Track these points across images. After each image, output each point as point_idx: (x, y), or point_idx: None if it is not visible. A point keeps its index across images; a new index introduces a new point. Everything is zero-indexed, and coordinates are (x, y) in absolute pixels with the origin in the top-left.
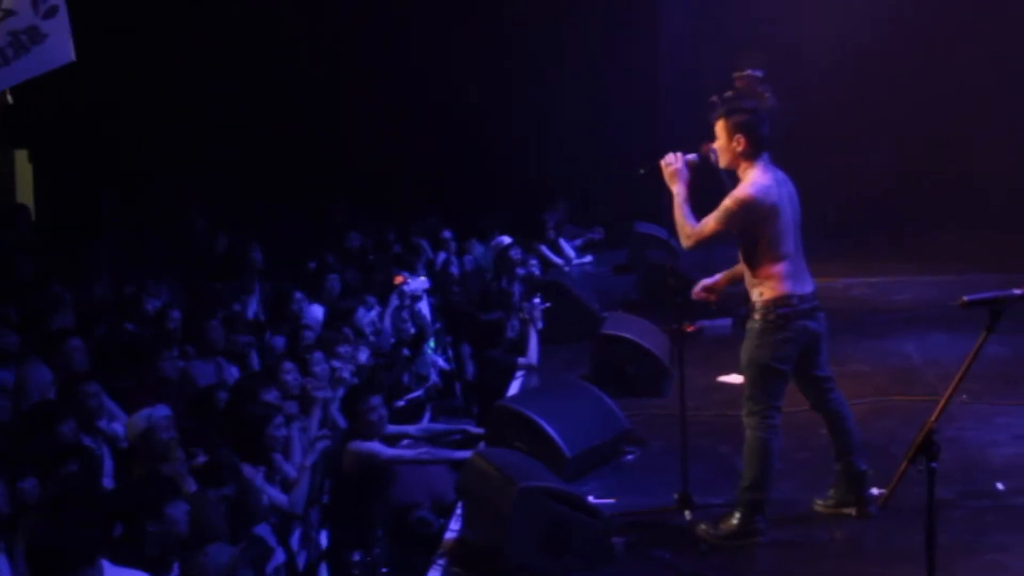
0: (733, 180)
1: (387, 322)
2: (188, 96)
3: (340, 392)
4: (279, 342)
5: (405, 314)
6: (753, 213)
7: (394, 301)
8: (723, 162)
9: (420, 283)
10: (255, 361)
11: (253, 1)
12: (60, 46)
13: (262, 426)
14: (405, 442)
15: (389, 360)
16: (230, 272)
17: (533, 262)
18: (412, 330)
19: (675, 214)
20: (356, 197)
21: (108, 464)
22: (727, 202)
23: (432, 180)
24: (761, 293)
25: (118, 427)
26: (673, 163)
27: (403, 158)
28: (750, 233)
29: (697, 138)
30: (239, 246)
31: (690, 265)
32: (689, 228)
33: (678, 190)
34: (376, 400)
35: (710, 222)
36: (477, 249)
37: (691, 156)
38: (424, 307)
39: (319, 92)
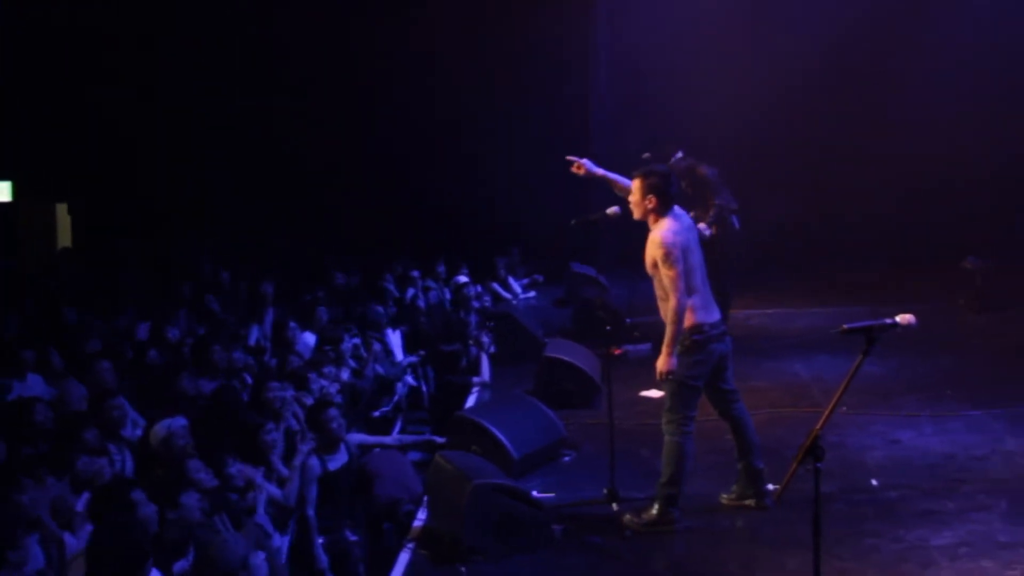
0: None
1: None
2: (197, 156)
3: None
4: (273, 363)
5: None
6: (677, 248)
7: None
8: (637, 215)
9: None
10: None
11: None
12: None
13: (256, 433)
14: (377, 450)
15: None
16: (234, 304)
17: (486, 297)
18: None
19: (672, 334)
20: (341, 242)
21: (130, 464)
22: (659, 253)
23: (403, 229)
24: None
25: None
26: (663, 369)
27: (381, 212)
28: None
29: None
30: (248, 283)
31: (617, 300)
32: (676, 312)
33: (669, 349)
34: (334, 412)
35: (669, 280)
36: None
37: (614, 208)
38: (398, 336)
39: (316, 167)
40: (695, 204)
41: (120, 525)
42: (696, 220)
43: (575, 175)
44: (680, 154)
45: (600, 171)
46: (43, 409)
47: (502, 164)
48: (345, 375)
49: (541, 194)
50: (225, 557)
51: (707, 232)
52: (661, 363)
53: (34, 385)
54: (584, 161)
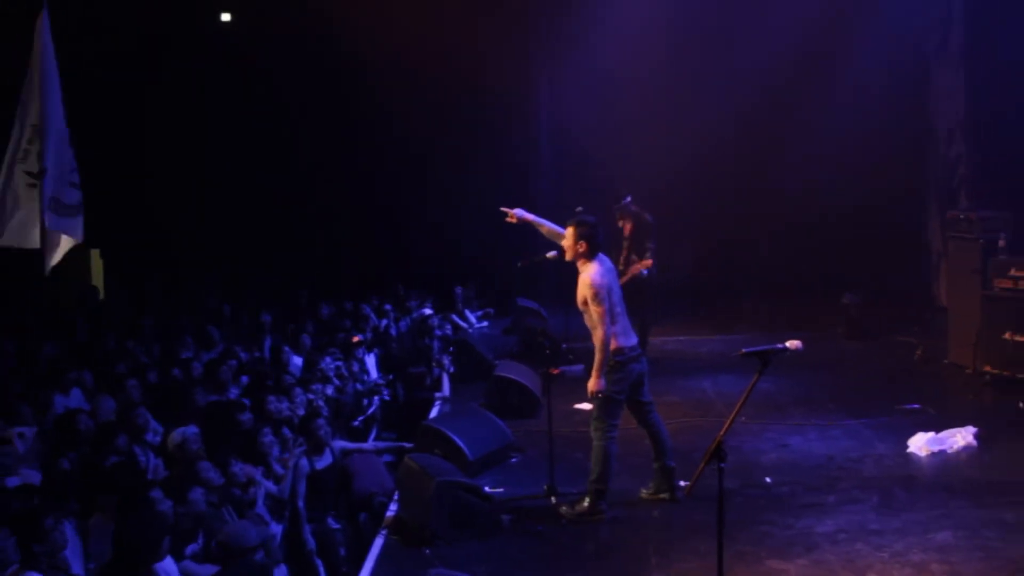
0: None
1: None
2: (202, 207)
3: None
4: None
5: (355, 366)
6: (603, 288)
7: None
8: (568, 256)
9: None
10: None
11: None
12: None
13: (255, 437)
14: (356, 453)
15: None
16: (237, 332)
17: (447, 326)
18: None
19: (600, 360)
20: (328, 279)
21: (153, 462)
22: (589, 292)
23: (378, 269)
24: None
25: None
26: (593, 389)
27: (361, 256)
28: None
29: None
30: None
31: (555, 328)
32: (603, 342)
33: (598, 372)
34: (321, 421)
35: (597, 315)
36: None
37: (553, 252)
38: (373, 359)
39: (307, 218)
40: (622, 245)
41: (138, 518)
42: (628, 260)
43: (519, 227)
44: (629, 199)
45: (530, 216)
46: (84, 419)
47: (462, 221)
48: (330, 391)
49: (492, 243)
50: (243, 539)
51: (645, 273)
52: (592, 384)
53: (75, 399)
54: (516, 211)
